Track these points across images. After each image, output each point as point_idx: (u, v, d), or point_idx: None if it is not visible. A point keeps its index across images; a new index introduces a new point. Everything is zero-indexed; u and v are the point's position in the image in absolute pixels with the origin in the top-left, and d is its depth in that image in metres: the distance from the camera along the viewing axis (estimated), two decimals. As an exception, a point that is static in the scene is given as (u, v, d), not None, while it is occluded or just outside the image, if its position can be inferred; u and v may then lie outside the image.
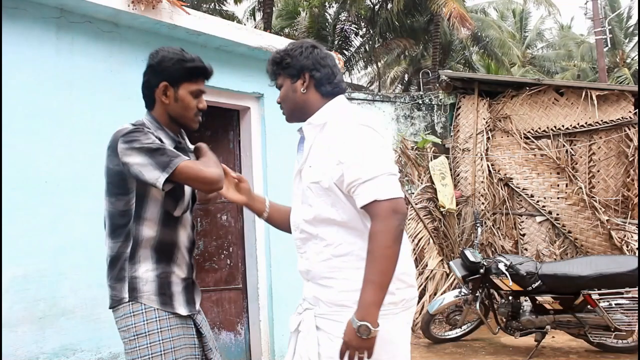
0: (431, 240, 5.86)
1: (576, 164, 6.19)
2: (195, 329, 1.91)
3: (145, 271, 1.80)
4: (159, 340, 1.77)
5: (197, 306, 1.95)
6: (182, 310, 1.84)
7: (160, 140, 1.82)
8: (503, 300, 4.62)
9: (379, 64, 20.59)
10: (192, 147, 2.06)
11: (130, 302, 1.78)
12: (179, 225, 1.89)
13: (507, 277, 4.29)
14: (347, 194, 1.63)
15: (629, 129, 5.88)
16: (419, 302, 5.49)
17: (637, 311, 4.15)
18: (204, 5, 19.49)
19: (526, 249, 6.36)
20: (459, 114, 6.91)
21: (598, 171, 6.06)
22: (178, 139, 1.92)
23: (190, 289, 1.92)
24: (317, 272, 1.70)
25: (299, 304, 1.80)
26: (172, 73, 1.87)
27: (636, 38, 22.79)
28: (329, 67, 1.80)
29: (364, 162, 1.59)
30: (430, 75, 14.79)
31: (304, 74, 1.77)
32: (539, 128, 6.35)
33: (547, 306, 4.39)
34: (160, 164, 1.70)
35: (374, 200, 1.55)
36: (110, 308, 1.83)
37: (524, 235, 6.40)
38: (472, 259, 4.59)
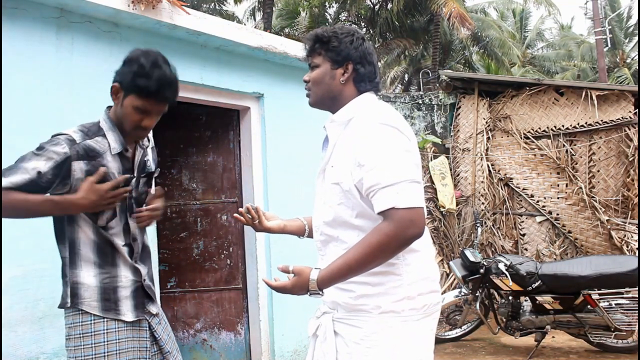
0: (431, 240, 5.86)
1: (576, 164, 6.19)
2: (149, 332, 1.91)
3: (87, 276, 1.81)
4: (104, 342, 1.78)
5: (153, 309, 1.93)
6: (128, 316, 1.84)
7: (83, 154, 1.77)
8: (503, 300, 4.62)
9: (379, 64, 20.57)
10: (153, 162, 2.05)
11: (72, 306, 1.81)
12: (112, 231, 1.86)
13: (507, 277, 4.29)
14: (367, 198, 1.56)
15: (629, 129, 5.88)
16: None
17: (637, 311, 4.15)
18: (204, 5, 19.49)
19: (526, 249, 6.36)
20: (459, 114, 6.91)
21: (598, 171, 6.06)
22: (126, 147, 1.86)
23: (139, 293, 1.89)
24: None
25: (318, 308, 1.75)
26: (126, 79, 1.82)
27: (636, 38, 22.79)
28: (373, 65, 1.72)
29: (384, 166, 1.50)
30: (430, 75, 14.80)
31: (348, 65, 1.68)
32: (539, 128, 6.35)
33: (547, 306, 4.39)
34: (7, 167, 1.71)
35: (392, 207, 1.47)
36: (58, 307, 1.87)
37: (524, 235, 6.40)
38: (472, 259, 4.58)
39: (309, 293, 1.58)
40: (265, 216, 1.95)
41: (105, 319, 1.80)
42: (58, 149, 1.74)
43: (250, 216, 1.93)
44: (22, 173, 1.68)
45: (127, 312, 1.84)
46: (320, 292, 1.57)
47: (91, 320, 1.79)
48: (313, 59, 1.72)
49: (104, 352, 1.77)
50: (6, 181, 1.66)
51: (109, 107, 1.91)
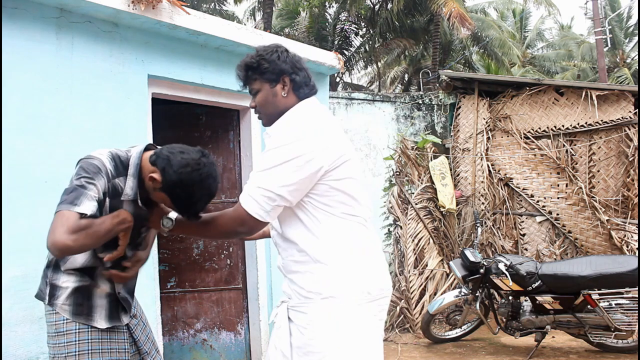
0: (431, 240, 5.86)
1: (576, 164, 6.18)
2: (128, 333, 1.94)
3: (65, 281, 1.84)
4: (75, 341, 1.81)
5: (125, 319, 1.94)
6: (101, 323, 1.86)
7: (112, 193, 1.79)
8: (503, 300, 4.62)
9: (379, 64, 20.58)
10: None
11: (49, 304, 1.84)
12: (92, 271, 1.88)
13: (507, 277, 4.29)
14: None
15: (629, 129, 5.87)
16: (418, 302, 5.49)
17: (637, 311, 4.15)
18: (204, 5, 19.51)
19: (526, 249, 6.36)
20: (459, 114, 6.90)
21: (598, 171, 6.06)
22: (137, 197, 1.85)
23: (114, 305, 1.91)
24: (287, 268, 1.81)
25: (279, 299, 1.90)
26: (172, 190, 1.76)
27: (636, 38, 22.79)
28: (305, 70, 1.85)
29: (260, 170, 1.70)
30: (430, 75, 14.78)
31: (284, 78, 1.81)
32: (539, 128, 6.35)
33: (547, 306, 4.39)
34: (62, 199, 1.70)
35: (239, 203, 1.73)
36: (35, 297, 1.92)
37: (524, 235, 6.39)
38: (472, 259, 4.58)
39: (162, 222, 1.86)
40: None
41: (76, 322, 1.83)
42: (102, 184, 1.76)
43: None
44: (90, 201, 1.69)
45: (100, 319, 1.87)
46: (166, 228, 1.87)
47: (64, 320, 1.82)
48: (251, 86, 1.86)
49: (75, 352, 1.80)
50: (82, 208, 1.66)
51: (148, 149, 1.88)
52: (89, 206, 1.67)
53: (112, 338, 1.88)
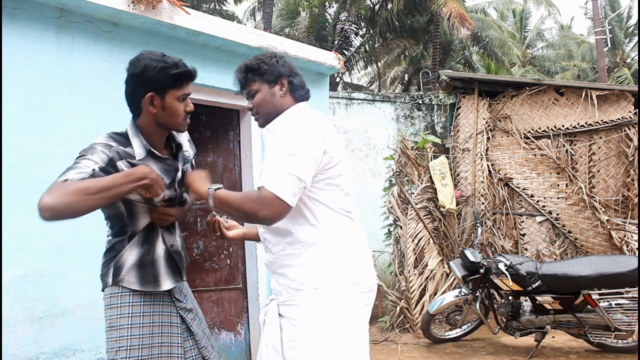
0: (431, 240, 5.86)
1: (576, 164, 6.18)
2: (185, 325, 1.96)
3: (128, 256, 1.87)
4: (129, 303, 1.85)
5: (180, 279, 1.98)
6: (167, 284, 1.91)
7: (123, 154, 1.82)
8: (503, 300, 4.62)
9: (379, 64, 20.58)
10: (188, 151, 2.09)
11: (115, 283, 1.86)
12: (150, 239, 1.91)
13: (507, 277, 4.29)
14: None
15: (629, 129, 5.87)
16: (418, 302, 5.49)
17: (637, 311, 4.15)
18: (204, 5, 19.51)
19: (526, 249, 6.36)
20: (459, 114, 6.90)
21: (598, 171, 6.06)
22: (149, 147, 1.89)
23: (170, 262, 1.96)
24: (277, 263, 1.84)
25: (267, 297, 1.93)
26: (157, 82, 1.82)
27: (636, 38, 22.79)
28: (300, 76, 1.96)
29: (281, 157, 1.70)
30: (430, 75, 14.79)
31: (282, 80, 1.90)
32: (539, 128, 6.35)
33: (547, 306, 4.39)
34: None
35: (265, 188, 1.67)
36: (102, 290, 1.92)
37: (524, 235, 6.39)
38: (472, 259, 4.58)
39: (208, 188, 1.79)
40: (225, 226, 2.15)
41: (143, 293, 1.86)
42: (100, 155, 1.77)
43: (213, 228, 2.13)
44: (79, 171, 1.69)
45: (165, 282, 1.91)
46: (208, 200, 1.79)
47: (119, 294, 1.85)
48: (250, 88, 1.93)
49: (128, 313, 1.83)
50: (64, 177, 1.66)
51: (134, 119, 1.93)
52: (73, 174, 1.67)
53: (164, 322, 1.89)
